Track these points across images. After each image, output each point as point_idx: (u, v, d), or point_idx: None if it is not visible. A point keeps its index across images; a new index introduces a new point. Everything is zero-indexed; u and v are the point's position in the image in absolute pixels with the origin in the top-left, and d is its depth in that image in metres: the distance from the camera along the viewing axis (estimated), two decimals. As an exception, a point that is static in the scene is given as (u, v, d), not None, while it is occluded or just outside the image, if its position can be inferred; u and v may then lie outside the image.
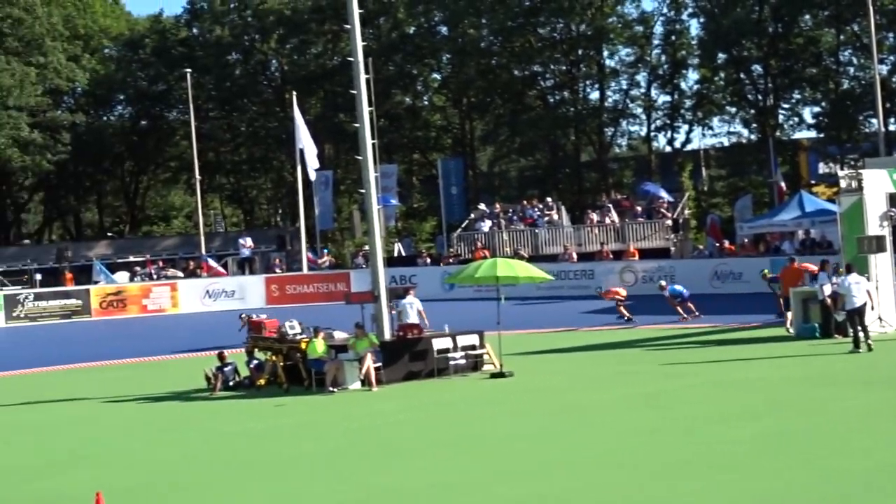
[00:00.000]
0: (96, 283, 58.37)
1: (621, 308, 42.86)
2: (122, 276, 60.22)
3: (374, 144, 32.95)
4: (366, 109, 32.63)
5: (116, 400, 31.87)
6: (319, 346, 31.10)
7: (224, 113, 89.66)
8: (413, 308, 34.57)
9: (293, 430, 25.62)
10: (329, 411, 27.89)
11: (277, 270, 60.76)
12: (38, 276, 62.10)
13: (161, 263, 63.78)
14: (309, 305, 50.56)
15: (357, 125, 33.16)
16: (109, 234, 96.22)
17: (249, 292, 57.07)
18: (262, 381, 32.21)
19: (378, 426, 25.22)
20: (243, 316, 40.76)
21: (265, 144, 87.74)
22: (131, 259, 69.91)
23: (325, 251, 65.12)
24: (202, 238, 69.71)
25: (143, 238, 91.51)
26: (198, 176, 70.29)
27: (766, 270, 41.32)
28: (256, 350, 33.45)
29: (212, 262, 61.46)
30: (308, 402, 29.47)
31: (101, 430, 27.38)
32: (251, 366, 32.96)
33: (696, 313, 41.75)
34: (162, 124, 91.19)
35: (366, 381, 30.52)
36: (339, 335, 32.86)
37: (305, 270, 59.49)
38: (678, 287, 43.25)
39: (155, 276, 59.77)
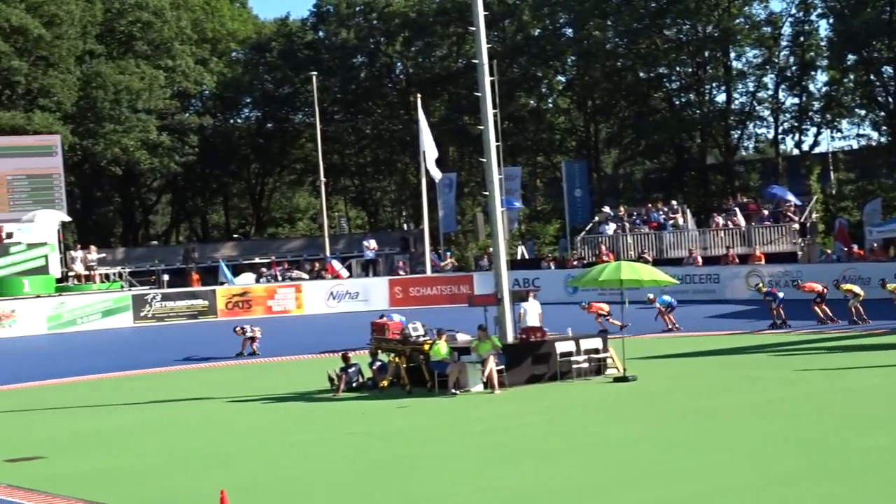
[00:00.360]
0: (222, 283, 58.98)
1: (600, 320, 42.43)
2: (247, 278, 60.74)
3: (498, 147, 32.84)
4: (490, 111, 32.55)
5: (241, 400, 32.14)
6: (442, 349, 31.08)
7: (349, 115, 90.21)
8: (534, 311, 34.44)
9: (415, 432, 25.62)
10: (451, 413, 27.85)
11: (401, 272, 60.91)
12: (166, 277, 62.90)
13: (286, 265, 64.22)
14: (432, 307, 50.61)
15: (481, 127, 33.08)
16: (235, 235, 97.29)
17: (373, 294, 57.26)
18: (384, 383, 32.27)
19: (500, 429, 25.14)
20: (237, 329, 41.51)
21: (390, 147, 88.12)
22: (257, 260, 70.58)
23: (448, 253, 65.16)
24: (327, 240, 70.12)
25: (269, 240, 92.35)
26: (323, 178, 70.71)
27: (760, 284, 41.06)
28: (380, 352, 33.54)
29: (335, 264, 61.77)
30: (430, 404, 29.47)
31: (225, 429, 27.63)
32: (374, 367, 33.03)
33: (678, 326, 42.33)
34: (288, 127, 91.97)
35: (488, 384, 30.45)
36: (462, 337, 32.83)
37: (429, 272, 59.56)
38: (667, 298, 43.48)
39: (280, 278, 60.23)
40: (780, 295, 42.10)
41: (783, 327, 41.26)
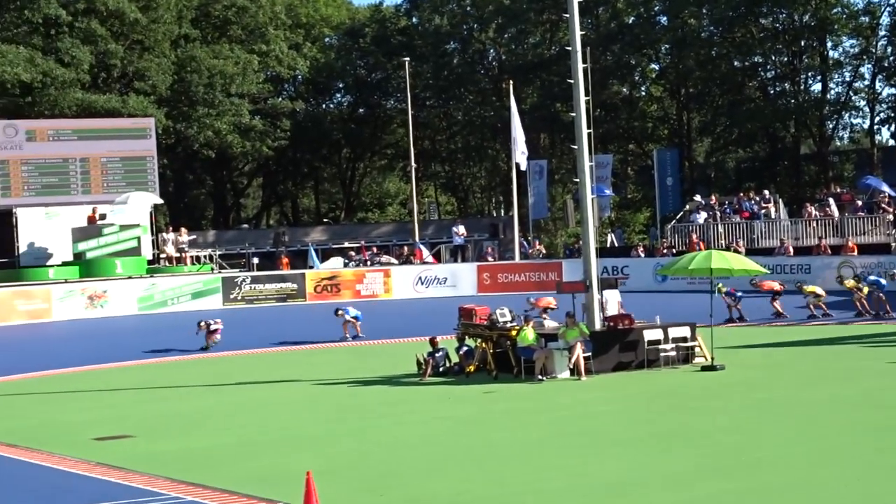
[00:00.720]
0: (311, 267, 59.24)
1: (545, 315, 42.22)
2: (336, 262, 60.98)
3: (589, 134, 32.72)
4: (582, 99, 32.44)
5: (329, 383, 32.31)
6: (529, 335, 31.03)
7: (441, 101, 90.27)
8: (613, 300, 34.29)
9: (501, 417, 25.60)
10: (537, 400, 27.81)
11: (490, 259, 60.87)
12: (256, 260, 63.20)
13: (375, 249, 64.36)
14: (520, 294, 50.52)
15: (573, 114, 32.97)
16: (325, 219, 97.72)
17: (461, 280, 57.26)
18: (471, 368, 32.27)
19: (586, 416, 25.07)
20: (202, 323, 41.02)
21: (480, 133, 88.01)
22: (346, 245, 70.79)
23: (537, 240, 64.99)
24: (416, 225, 70.19)
25: (358, 224, 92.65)
26: (413, 164, 70.79)
27: (720, 285, 41.09)
28: (467, 337, 33.54)
29: (423, 250, 61.84)
30: (516, 389, 29.44)
31: (311, 411, 27.78)
32: (461, 352, 33.05)
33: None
34: (379, 112, 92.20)
35: (575, 371, 30.38)
36: (550, 324, 32.80)
37: (517, 259, 59.48)
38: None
39: (369, 262, 60.39)
40: (739, 294, 43.04)
41: (741, 321, 42.51)
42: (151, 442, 24.04)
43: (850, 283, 42.97)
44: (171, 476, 19.92)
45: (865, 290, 42.43)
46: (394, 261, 60.98)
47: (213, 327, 41.58)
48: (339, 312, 43.37)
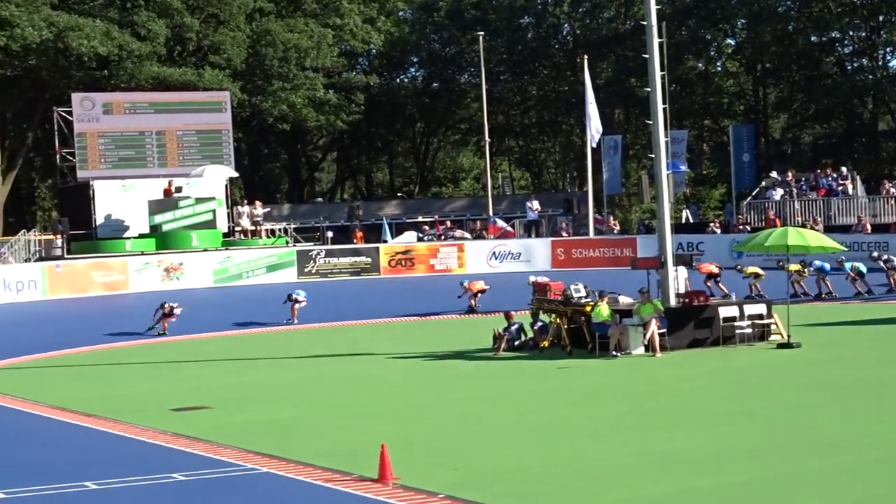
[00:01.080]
0: (385, 241, 59.36)
1: (472, 300, 43.32)
2: (409, 236, 61.04)
3: (664, 109, 32.57)
4: (657, 74, 32.28)
5: (402, 356, 32.39)
6: (604, 310, 30.94)
7: (515, 76, 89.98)
8: (681, 277, 34.14)
9: (575, 393, 25.57)
10: (611, 376, 27.76)
11: (563, 234, 60.72)
12: (330, 234, 63.34)
13: (449, 224, 64.36)
14: (594, 270, 50.40)
15: (648, 90, 32.85)
16: (399, 193, 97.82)
17: (535, 255, 57.17)
18: (545, 343, 32.25)
19: (660, 392, 24.98)
20: (165, 305, 40.08)
21: (555, 108, 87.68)
22: (420, 219, 70.86)
23: (611, 216, 64.75)
24: (490, 200, 70.08)
25: (432, 199, 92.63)
26: (487, 138, 70.68)
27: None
28: (541, 312, 33.51)
29: (499, 223, 61.77)
30: (590, 365, 29.39)
31: (386, 385, 27.89)
32: (535, 327, 33.06)
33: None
34: (453, 87, 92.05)
35: (649, 347, 30.28)
36: (624, 300, 32.67)
37: (592, 235, 59.29)
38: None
39: (442, 237, 60.41)
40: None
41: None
42: (228, 413, 24.23)
43: (793, 266, 42.50)
44: (246, 447, 20.05)
45: (806, 273, 43.03)
46: (467, 235, 60.96)
47: (177, 310, 40.07)
48: (293, 297, 42.47)
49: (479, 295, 43.71)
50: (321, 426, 22.46)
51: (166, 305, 39.92)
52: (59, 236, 56.93)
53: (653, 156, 33.26)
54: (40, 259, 55.01)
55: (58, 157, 61.67)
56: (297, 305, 41.99)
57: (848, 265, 43.34)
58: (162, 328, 39.84)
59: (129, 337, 39.42)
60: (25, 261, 54.60)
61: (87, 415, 24.50)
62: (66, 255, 54.69)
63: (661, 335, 30.39)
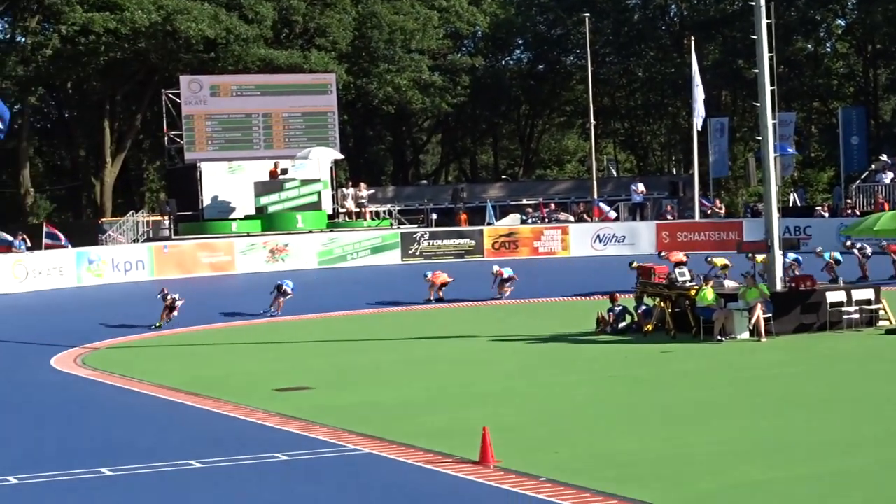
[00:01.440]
0: (489, 224, 59.29)
1: (439, 292, 42.92)
2: (513, 219, 60.90)
3: (772, 91, 32.24)
4: (765, 55, 31.94)
5: (505, 339, 32.37)
6: (709, 295, 30.69)
7: (621, 58, 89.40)
8: (779, 262, 33.79)
9: (678, 377, 25.40)
10: (716, 360, 27.53)
11: (669, 217, 60.28)
12: (434, 216, 63.41)
13: (553, 206, 64.13)
14: (699, 253, 49.98)
15: (756, 71, 32.50)
16: (503, 176, 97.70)
17: (639, 238, 56.80)
18: (649, 327, 32.09)
19: (765, 377, 24.74)
20: (165, 291, 38.56)
21: (661, 90, 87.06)
22: (524, 201, 70.69)
23: (717, 199, 64.14)
24: (594, 183, 69.76)
25: (536, 181, 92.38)
26: (593, 121, 70.34)
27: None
28: (645, 296, 33.34)
29: (603, 207, 61.49)
30: (695, 350, 29.17)
31: (488, 367, 27.89)
32: (639, 311, 32.90)
33: None
34: (559, 69, 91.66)
35: (755, 332, 30.00)
36: (729, 284, 32.40)
37: (697, 218, 58.80)
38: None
39: (546, 220, 60.22)
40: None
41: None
42: (330, 394, 24.37)
43: (720, 261, 42.15)
44: (348, 428, 20.14)
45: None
46: (571, 218, 60.72)
47: (179, 301, 38.65)
48: (282, 288, 41.05)
49: (444, 287, 43.27)
50: (423, 408, 22.51)
51: (168, 297, 38.29)
52: (166, 217, 57.55)
53: (760, 138, 32.98)
54: (148, 240, 55.62)
55: (166, 138, 62.32)
56: (282, 298, 40.61)
57: (827, 254, 42.56)
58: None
59: (235, 318, 39.82)
60: (133, 241, 55.23)
61: (192, 394, 24.77)
62: (173, 236, 55.24)
63: (766, 320, 30.09)
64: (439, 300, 43.16)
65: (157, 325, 38.12)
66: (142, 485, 16.74)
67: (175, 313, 38.17)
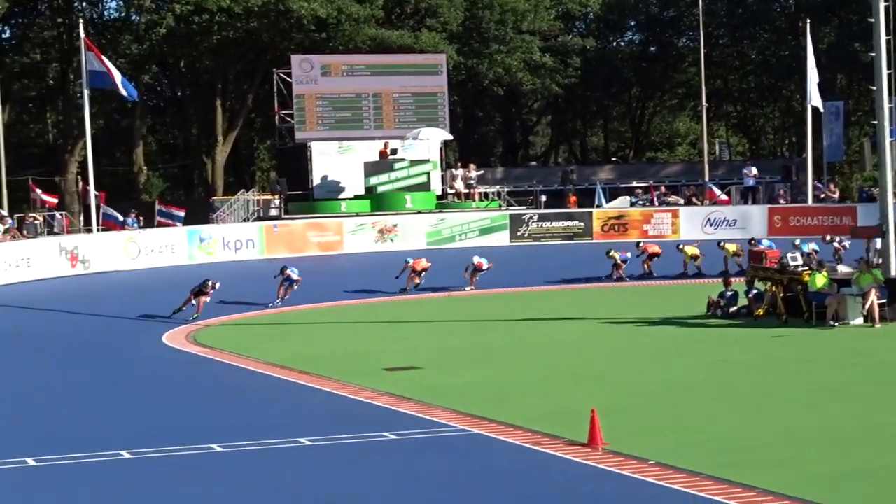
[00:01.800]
0: (598, 206, 59.01)
1: (417, 279, 41.78)
2: (623, 201, 60.59)
3: (889, 75, 31.76)
4: (883, 38, 31.45)
5: (614, 321, 32.25)
6: (821, 280, 30.32)
7: (734, 40, 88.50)
8: (874, 248, 33.31)
9: (789, 362, 25.11)
10: (829, 346, 27.19)
11: (781, 201, 59.63)
12: (543, 198, 63.22)
13: (663, 189, 63.68)
14: (812, 238, 49.36)
15: (873, 54, 32.00)
16: (613, 158, 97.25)
17: (751, 222, 56.22)
18: (760, 311, 31.77)
19: (880, 364, 24.43)
20: (207, 283, 35.96)
21: (775, 73, 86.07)
22: (634, 184, 70.27)
23: (831, 183, 63.31)
24: (706, 166, 69.12)
25: (647, 164, 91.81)
26: (705, 103, 69.67)
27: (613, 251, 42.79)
28: (756, 280, 33.02)
29: (715, 190, 60.94)
30: (807, 334, 28.84)
31: (597, 349, 27.80)
32: (750, 295, 32.62)
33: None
34: (671, 51, 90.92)
35: (868, 317, 29.58)
36: (843, 269, 31.96)
37: (810, 202, 58.09)
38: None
39: (656, 203, 59.83)
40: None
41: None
42: (439, 374, 24.41)
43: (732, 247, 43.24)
44: (456, 408, 20.14)
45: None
46: (681, 201, 60.25)
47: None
48: (289, 274, 38.64)
49: (423, 273, 42.37)
50: (531, 389, 22.46)
51: (208, 284, 35.96)
52: (276, 196, 57.99)
53: (876, 122, 32.46)
54: (258, 219, 56.12)
55: (276, 118, 62.72)
56: (294, 286, 38.37)
57: (805, 246, 41.59)
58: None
59: (343, 297, 40.03)
60: (244, 220, 55.76)
61: (302, 372, 24.93)
62: (283, 216, 55.64)
63: (880, 306, 29.67)
64: (416, 287, 41.87)
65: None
66: (252, 461, 16.87)
67: (206, 299, 35.63)
